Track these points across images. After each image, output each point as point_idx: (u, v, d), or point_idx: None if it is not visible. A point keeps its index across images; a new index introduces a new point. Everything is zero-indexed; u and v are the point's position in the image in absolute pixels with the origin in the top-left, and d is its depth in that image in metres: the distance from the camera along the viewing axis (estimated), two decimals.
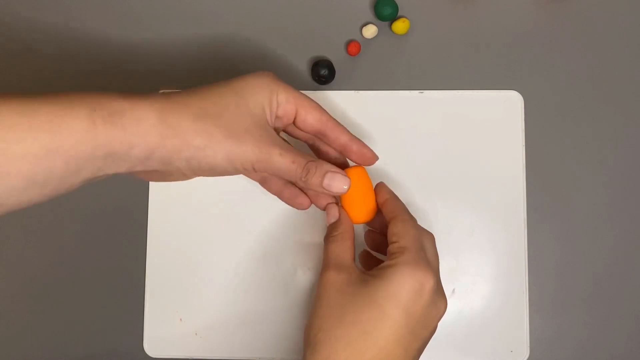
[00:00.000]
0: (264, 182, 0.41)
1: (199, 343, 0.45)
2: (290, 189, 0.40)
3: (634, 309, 0.45)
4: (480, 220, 0.45)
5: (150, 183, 0.46)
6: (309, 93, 0.47)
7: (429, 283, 0.33)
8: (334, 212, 0.39)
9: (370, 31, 0.47)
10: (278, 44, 0.48)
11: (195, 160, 0.33)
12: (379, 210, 0.40)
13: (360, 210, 0.40)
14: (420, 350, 0.34)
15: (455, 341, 0.44)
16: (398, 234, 0.35)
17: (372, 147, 0.45)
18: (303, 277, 0.45)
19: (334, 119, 0.38)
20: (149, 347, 0.45)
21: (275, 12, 0.48)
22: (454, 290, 0.44)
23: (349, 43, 0.47)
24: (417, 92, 0.46)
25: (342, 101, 0.46)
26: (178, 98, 0.33)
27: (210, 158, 0.33)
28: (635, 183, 0.46)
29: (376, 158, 0.39)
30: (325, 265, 0.36)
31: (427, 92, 0.46)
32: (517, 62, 0.47)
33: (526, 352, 0.44)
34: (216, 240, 0.45)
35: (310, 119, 0.37)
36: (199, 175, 0.36)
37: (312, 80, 0.47)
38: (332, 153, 0.40)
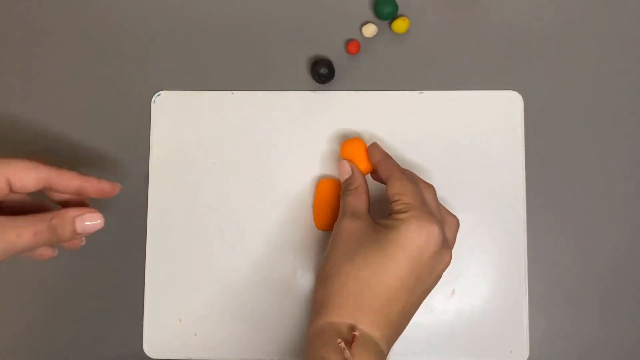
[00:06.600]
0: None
1: (199, 344, 0.45)
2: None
3: (634, 308, 0.45)
4: (480, 221, 0.45)
5: (150, 184, 0.46)
6: (309, 92, 0.47)
7: (435, 236, 0.35)
8: (347, 168, 0.41)
9: (369, 30, 0.47)
10: (278, 42, 0.48)
11: None
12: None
13: (327, 218, 0.44)
14: (424, 294, 0.37)
15: (455, 341, 0.44)
16: (398, 192, 0.37)
17: None
18: (302, 278, 0.45)
19: (55, 168, 0.35)
20: (149, 348, 0.45)
21: (274, 11, 0.48)
22: (453, 290, 0.44)
23: (348, 42, 0.47)
24: (416, 92, 0.46)
25: (342, 101, 0.46)
26: None
27: None
28: (636, 183, 0.46)
29: (117, 187, 0.37)
30: (341, 214, 0.39)
31: (426, 92, 0.46)
32: (517, 62, 0.47)
33: (526, 352, 0.44)
34: (215, 241, 0.45)
35: (27, 182, 0.34)
36: None
37: (312, 79, 0.47)
38: (73, 199, 0.37)
